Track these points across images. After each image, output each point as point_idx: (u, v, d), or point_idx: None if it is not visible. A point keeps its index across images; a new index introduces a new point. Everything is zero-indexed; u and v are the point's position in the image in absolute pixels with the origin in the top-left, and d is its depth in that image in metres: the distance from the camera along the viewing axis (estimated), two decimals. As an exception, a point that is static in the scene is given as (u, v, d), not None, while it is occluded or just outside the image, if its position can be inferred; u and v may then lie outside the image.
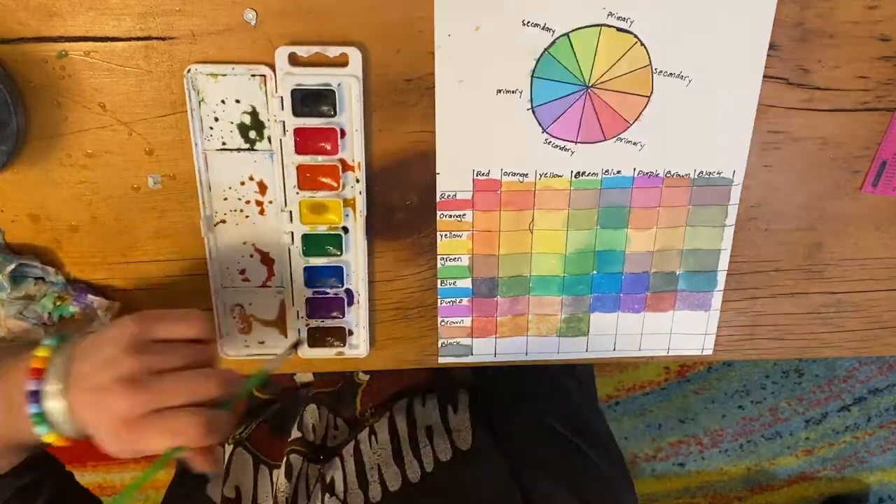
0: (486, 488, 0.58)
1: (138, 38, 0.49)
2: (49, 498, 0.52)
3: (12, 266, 0.52)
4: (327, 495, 0.58)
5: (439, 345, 0.60)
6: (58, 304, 0.53)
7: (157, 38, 0.49)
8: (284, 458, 0.61)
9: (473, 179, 0.54)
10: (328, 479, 0.60)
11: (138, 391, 0.43)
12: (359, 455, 0.61)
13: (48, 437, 0.45)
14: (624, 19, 0.50)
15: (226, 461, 0.64)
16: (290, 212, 0.53)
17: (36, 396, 0.44)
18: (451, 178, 0.54)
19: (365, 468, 0.60)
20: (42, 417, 0.44)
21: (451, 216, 0.55)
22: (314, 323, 0.57)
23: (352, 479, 0.60)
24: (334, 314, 0.57)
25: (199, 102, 0.50)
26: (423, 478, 0.59)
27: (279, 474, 0.60)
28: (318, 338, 0.58)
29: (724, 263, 0.59)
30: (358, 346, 0.59)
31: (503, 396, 0.70)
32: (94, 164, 0.52)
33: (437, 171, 0.54)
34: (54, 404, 0.44)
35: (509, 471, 0.60)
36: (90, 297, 0.54)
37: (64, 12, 0.48)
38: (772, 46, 0.51)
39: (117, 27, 0.48)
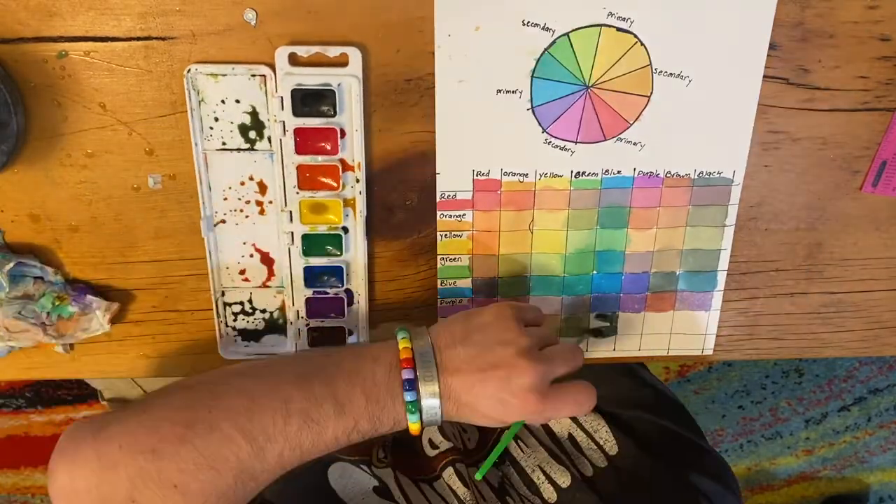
0: (653, 481, 0.57)
1: (138, 38, 0.49)
2: None
3: (11, 265, 0.52)
4: (508, 498, 0.57)
5: (439, 345, 0.60)
6: (56, 303, 0.53)
7: (157, 38, 0.49)
8: (449, 468, 0.59)
9: (473, 179, 0.54)
10: (496, 484, 0.59)
11: (541, 363, 0.47)
12: (514, 460, 0.60)
13: (414, 425, 0.48)
14: (624, 19, 0.50)
15: (397, 488, 0.61)
16: (290, 212, 0.53)
17: (412, 385, 0.47)
18: (451, 178, 0.54)
19: (526, 471, 0.59)
20: (415, 405, 0.47)
21: (451, 216, 0.55)
22: (314, 323, 0.57)
23: (517, 479, 0.59)
24: (334, 314, 0.57)
25: (199, 102, 0.50)
26: (596, 472, 0.58)
27: (451, 483, 0.58)
28: (317, 338, 0.58)
29: (724, 263, 0.59)
30: None
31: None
32: (94, 164, 0.52)
33: (437, 171, 0.54)
34: (430, 391, 0.47)
35: (658, 470, 0.59)
36: (89, 297, 0.54)
37: (64, 12, 0.48)
38: (772, 46, 0.51)
39: (117, 27, 0.48)
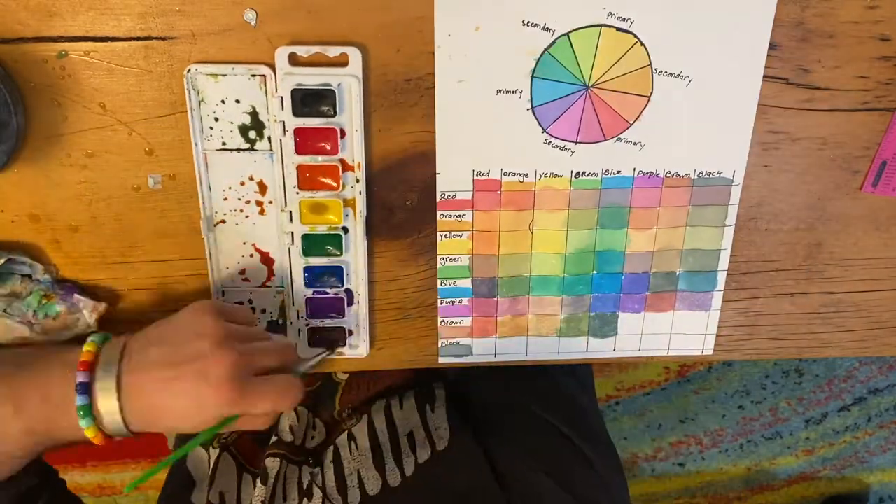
0: (463, 487, 0.58)
1: (138, 38, 0.49)
2: None
3: (1, 261, 0.52)
4: (305, 500, 0.58)
5: (439, 345, 0.60)
6: (43, 302, 0.53)
7: (157, 38, 0.49)
8: (266, 461, 0.61)
9: (473, 179, 0.54)
10: (305, 485, 0.60)
11: (237, 352, 0.45)
12: (338, 460, 0.61)
13: (89, 431, 0.45)
14: (624, 19, 0.50)
15: (212, 466, 0.64)
16: (291, 212, 0.53)
17: (84, 388, 0.45)
18: (451, 178, 0.54)
19: (344, 473, 0.60)
20: (87, 410, 0.45)
21: (451, 216, 0.55)
22: (314, 323, 0.57)
23: (330, 484, 0.59)
24: (334, 314, 0.57)
25: (199, 102, 0.50)
26: (404, 481, 0.59)
27: (258, 478, 0.60)
28: (318, 338, 0.58)
29: (724, 263, 0.59)
30: (358, 347, 0.59)
31: (489, 384, 0.70)
32: (94, 164, 0.52)
33: (437, 171, 0.54)
34: (108, 393, 0.45)
35: (489, 463, 0.60)
36: (77, 296, 0.54)
37: (64, 12, 0.48)
38: (772, 46, 0.51)
39: (117, 27, 0.48)
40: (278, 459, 0.61)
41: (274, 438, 0.63)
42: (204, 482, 0.64)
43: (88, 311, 0.54)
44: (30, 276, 0.54)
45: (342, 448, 0.62)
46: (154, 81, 0.50)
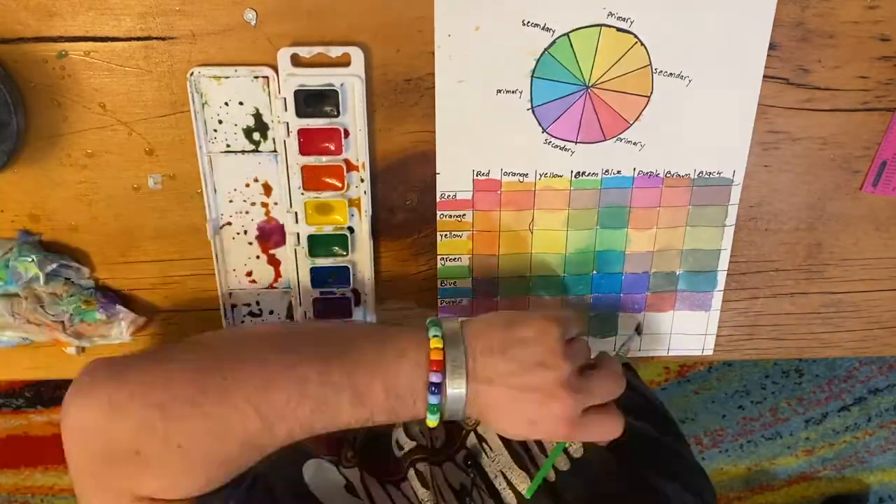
0: (618, 483, 0.57)
1: (138, 38, 0.49)
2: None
3: (53, 266, 0.52)
4: (468, 499, 0.57)
5: (439, 345, 0.60)
6: (83, 307, 0.53)
7: (157, 38, 0.49)
8: (411, 469, 0.59)
9: (473, 179, 0.54)
10: (458, 486, 0.59)
11: (578, 394, 0.47)
12: (478, 465, 0.60)
13: (433, 422, 0.47)
14: (624, 19, 0.50)
15: (361, 487, 0.61)
16: (296, 213, 0.53)
17: (437, 388, 0.46)
18: (451, 178, 0.54)
19: (489, 477, 0.59)
20: (437, 407, 0.46)
21: (451, 216, 0.55)
22: None
23: (480, 486, 0.59)
24: (341, 314, 0.57)
25: (203, 105, 0.50)
26: (560, 474, 0.58)
27: (414, 485, 0.58)
28: None
29: (724, 263, 0.59)
30: None
31: None
32: (94, 164, 0.52)
33: (437, 171, 0.54)
34: (456, 396, 0.46)
35: (619, 471, 0.59)
36: (118, 307, 0.54)
37: (64, 12, 0.48)
38: (772, 46, 0.51)
39: (117, 27, 0.48)
40: (426, 463, 0.59)
41: (412, 444, 0.61)
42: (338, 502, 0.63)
43: (126, 324, 0.55)
44: (71, 280, 0.54)
45: (477, 453, 0.61)
46: (154, 81, 0.50)
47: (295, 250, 0.55)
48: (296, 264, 0.55)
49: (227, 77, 0.49)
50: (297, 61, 0.49)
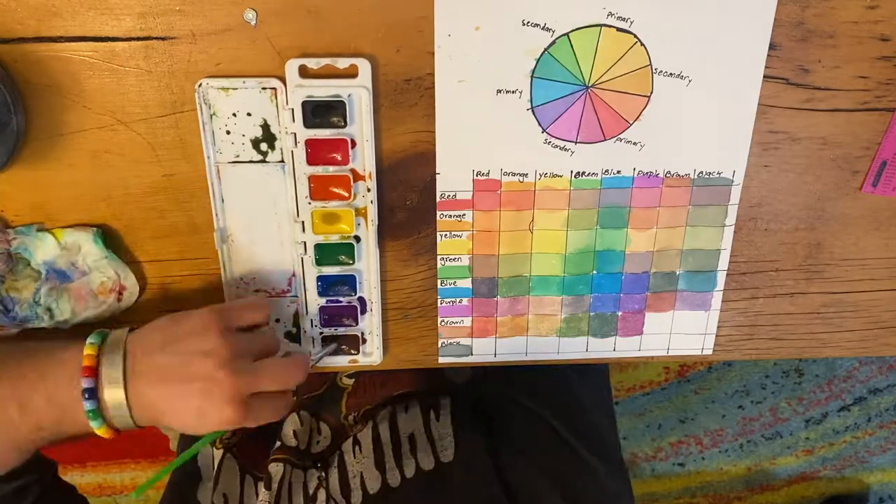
0: (467, 495, 0.58)
1: (138, 38, 0.49)
2: (35, 499, 0.53)
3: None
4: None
5: (439, 345, 0.60)
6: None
7: (157, 38, 0.49)
8: (270, 466, 0.61)
9: (473, 179, 0.54)
10: (311, 491, 0.60)
11: (243, 376, 0.47)
12: (342, 464, 0.61)
13: (100, 431, 0.47)
14: (624, 19, 0.50)
15: (216, 467, 0.64)
16: (303, 222, 0.54)
17: (91, 393, 0.46)
18: (451, 178, 0.54)
19: (348, 476, 0.60)
20: (97, 413, 0.46)
21: (451, 216, 0.55)
22: (328, 332, 0.58)
23: (334, 486, 0.60)
24: (348, 322, 0.57)
25: (211, 116, 0.50)
26: (404, 482, 0.59)
27: (259, 486, 0.60)
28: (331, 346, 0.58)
29: (724, 263, 0.59)
30: (371, 354, 0.59)
31: (500, 388, 0.70)
32: (94, 164, 0.52)
33: (437, 171, 0.54)
34: (115, 400, 0.46)
35: (496, 471, 0.60)
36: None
37: (64, 12, 0.48)
38: (772, 46, 0.51)
39: (117, 27, 0.48)
40: (282, 464, 0.61)
41: (277, 444, 0.63)
42: (209, 481, 0.64)
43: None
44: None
45: (346, 453, 0.62)
46: (154, 81, 0.50)
47: (302, 259, 0.55)
48: (302, 273, 0.55)
49: (234, 88, 0.49)
50: (304, 72, 0.49)
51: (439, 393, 0.67)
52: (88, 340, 0.47)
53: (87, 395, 0.46)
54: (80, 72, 0.49)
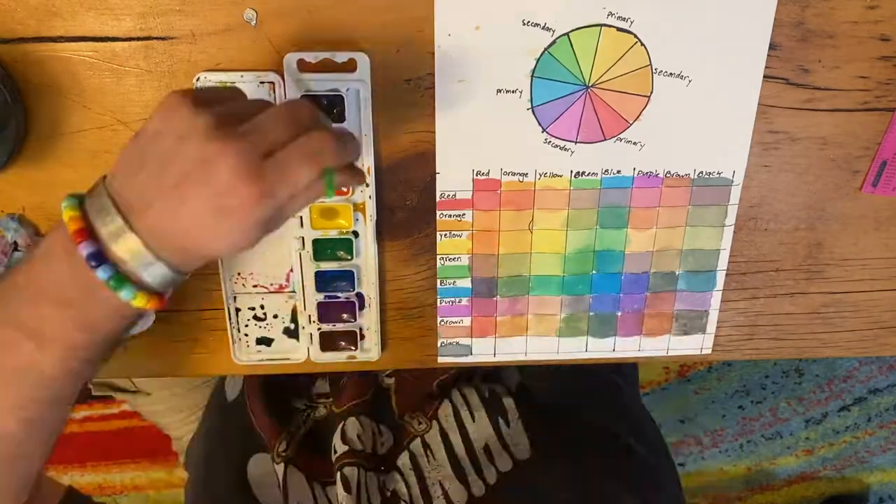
0: (553, 494, 0.57)
1: (138, 38, 0.49)
2: None
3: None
4: None
5: (439, 345, 0.60)
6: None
7: (157, 38, 0.49)
8: (338, 473, 0.60)
9: (473, 179, 0.54)
10: (389, 492, 0.59)
11: (238, 138, 0.35)
12: (418, 469, 0.61)
13: (138, 300, 0.37)
14: (624, 19, 0.50)
15: (282, 482, 0.63)
16: (301, 217, 0.53)
17: (96, 257, 0.36)
18: (451, 178, 0.54)
19: (427, 483, 0.60)
20: (119, 279, 0.36)
21: (450, 216, 0.55)
22: (326, 327, 0.58)
23: (415, 492, 0.59)
24: (346, 318, 0.57)
25: None
26: (488, 491, 0.58)
27: (338, 489, 0.59)
28: (329, 342, 0.58)
29: (723, 263, 0.59)
30: (370, 350, 0.59)
31: (555, 399, 0.69)
32: (94, 164, 0.52)
33: (437, 170, 0.54)
34: (130, 250, 0.36)
35: (572, 476, 0.59)
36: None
37: (64, 12, 0.48)
38: (772, 46, 0.51)
39: (117, 27, 0.48)
40: (355, 468, 0.59)
41: (344, 448, 0.62)
42: (277, 496, 0.63)
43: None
44: None
45: (419, 457, 0.61)
46: (154, 81, 0.50)
47: (300, 254, 0.55)
48: (300, 268, 0.55)
49: (233, 83, 0.49)
50: (302, 66, 0.49)
51: (501, 396, 0.65)
52: (64, 204, 0.38)
53: (93, 263, 0.36)
54: (80, 72, 0.49)
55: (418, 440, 0.63)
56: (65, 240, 0.37)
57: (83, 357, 0.38)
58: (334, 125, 0.41)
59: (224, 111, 0.37)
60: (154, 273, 0.37)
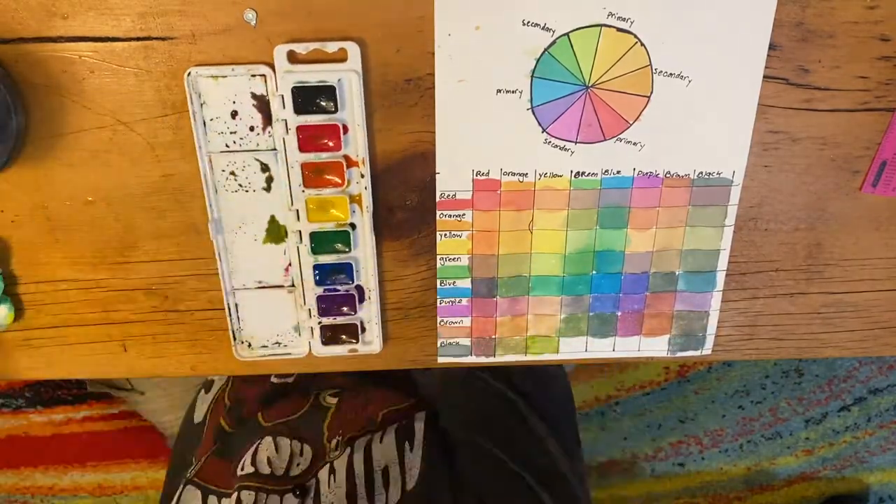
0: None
1: (138, 38, 0.49)
2: None
3: None
4: None
5: (438, 345, 0.60)
6: None
7: (157, 38, 0.49)
8: (235, 494, 0.60)
9: (473, 179, 0.54)
10: None
11: None
12: (318, 494, 0.61)
13: None
14: (624, 19, 0.50)
15: (176, 501, 0.63)
16: (297, 210, 0.53)
17: None
18: (451, 178, 0.54)
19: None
20: None
21: (450, 216, 0.55)
22: (326, 321, 0.57)
23: None
24: (346, 311, 0.57)
25: (202, 105, 0.50)
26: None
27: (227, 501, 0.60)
28: (330, 336, 0.58)
29: (723, 263, 0.59)
30: (371, 343, 0.59)
31: (460, 422, 0.70)
32: (94, 164, 0.52)
33: (437, 170, 0.54)
34: None
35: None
36: None
37: (64, 12, 0.48)
38: (772, 46, 0.51)
39: (117, 27, 0.48)
40: (254, 492, 0.60)
41: (250, 469, 0.62)
42: None
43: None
44: None
45: (322, 482, 0.62)
46: (154, 81, 0.50)
47: (297, 248, 0.55)
48: (299, 262, 0.55)
49: (224, 76, 0.49)
50: (293, 58, 0.49)
51: (425, 408, 0.66)
52: None
53: None
54: (80, 72, 0.49)
55: (327, 466, 0.63)
56: None
57: None
58: None
59: None
60: None
